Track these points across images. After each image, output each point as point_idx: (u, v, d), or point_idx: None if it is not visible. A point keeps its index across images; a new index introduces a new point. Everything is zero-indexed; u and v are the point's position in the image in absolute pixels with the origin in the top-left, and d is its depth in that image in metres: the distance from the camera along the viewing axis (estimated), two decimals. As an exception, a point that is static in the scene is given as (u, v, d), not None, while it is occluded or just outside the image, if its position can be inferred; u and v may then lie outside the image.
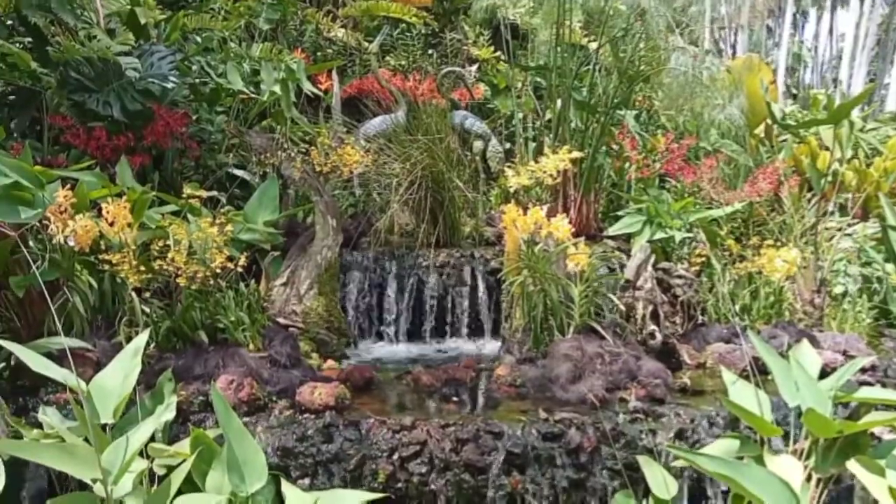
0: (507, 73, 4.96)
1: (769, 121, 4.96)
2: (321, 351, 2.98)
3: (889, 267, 4.42)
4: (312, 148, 4.08)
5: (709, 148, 4.54)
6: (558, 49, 4.27)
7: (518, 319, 2.95)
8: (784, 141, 6.46)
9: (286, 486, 1.65)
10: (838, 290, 3.98)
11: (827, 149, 6.07)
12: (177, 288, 2.57)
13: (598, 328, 2.61)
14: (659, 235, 3.79)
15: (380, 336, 3.34)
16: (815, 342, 2.90)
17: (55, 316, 2.59)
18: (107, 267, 2.47)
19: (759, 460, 1.79)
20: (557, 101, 5.06)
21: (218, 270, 2.53)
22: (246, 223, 3.24)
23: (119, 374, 2.02)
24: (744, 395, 2.05)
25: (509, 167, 3.78)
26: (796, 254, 3.00)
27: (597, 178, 4.35)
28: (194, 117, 4.54)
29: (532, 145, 5.05)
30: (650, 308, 2.75)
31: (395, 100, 5.00)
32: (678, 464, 2.06)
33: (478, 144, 4.72)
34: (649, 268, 2.81)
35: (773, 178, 5.04)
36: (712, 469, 1.63)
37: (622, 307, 2.74)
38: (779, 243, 3.43)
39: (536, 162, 3.79)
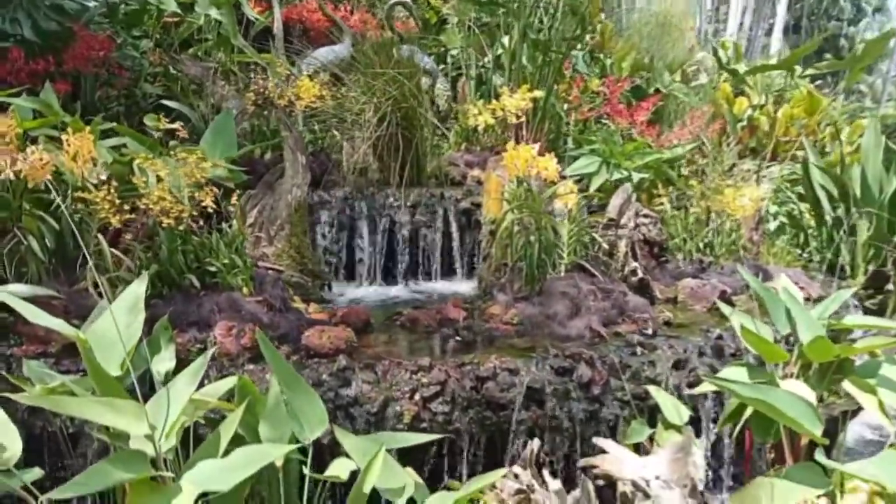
0: (455, 7, 4.80)
1: (710, 64, 5.15)
2: (297, 294, 2.86)
3: (804, 206, 4.81)
4: (262, 78, 3.81)
5: (663, 89, 4.66)
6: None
7: (499, 259, 2.97)
8: (700, 86, 6.76)
9: (339, 432, 1.59)
10: (772, 226, 4.29)
11: (741, 94, 6.44)
12: (152, 229, 2.37)
13: (588, 266, 2.67)
14: (616, 176, 3.90)
15: (352, 277, 3.25)
16: (769, 276, 3.12)
17: (5, 261, 2.34)
18: (79, 206, 2.22)
19: (773, 384, 1.92)
20: (505, 39, 5.01)
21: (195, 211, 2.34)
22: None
23: (120, 324, 1.85)
24: (739, 323, 2.18)
25: (469, 105, 3.72)
26: (760, 191, 3.19)
27: (550, 119, 4.37)
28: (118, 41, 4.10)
29: (472, 83, 4.99)
30: (631, 246, 2.84)
31: (339, 30, 4.75)
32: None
33: (425, 81, 4.59)
34: (631, 206, 2.89)
35: (699, 122, 5.28)
36: (746, 394, 1.73)
37: (605, 245, 2.81)
38: (726, 183, 3.63)
39: (488, 101, 3.76)
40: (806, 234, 4.37)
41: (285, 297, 2.41)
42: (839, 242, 4.25)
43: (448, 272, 3.35)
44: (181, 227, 2.22)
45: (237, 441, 1.52)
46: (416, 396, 2.05)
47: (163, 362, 1.94)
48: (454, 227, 3.31)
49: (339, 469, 1.42)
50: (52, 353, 2.17)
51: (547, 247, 2.62)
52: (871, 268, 4.14)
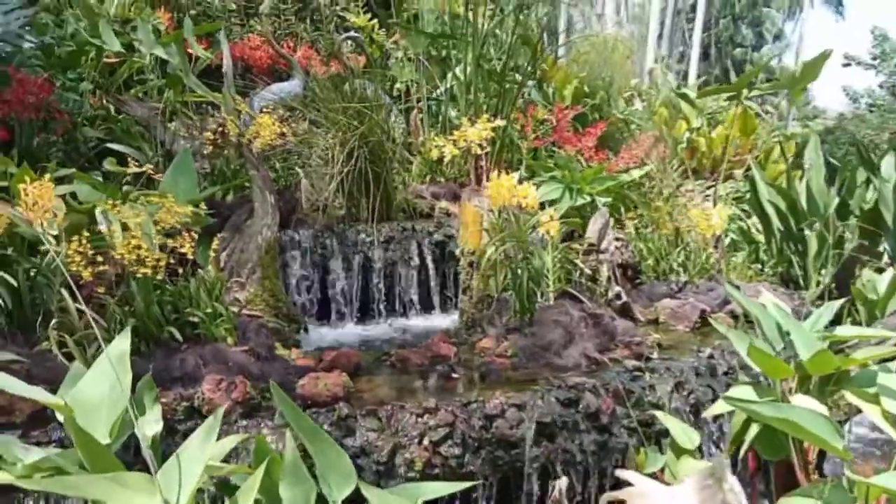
0: (403, 40, 4.80)
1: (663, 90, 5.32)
2: (275, 339, 2.72)
3: (751, 222, 5.00)
4: (211, 116, 3.68)
5: (619, 115, 4.77)
6: (466, 17, 4.22)
7: (481, 291, 2.91)
8: (637, 111, 6.99)
9: (365, 487, 1.48)
10: (726, 243, 4.41)
11: (682, 119, 6.70)
12: (121, 280, 2.19)
13: (574, 293, 2.65)
14: (580, 202, 3.94)
15: (327, 318, 3.13)
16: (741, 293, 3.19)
17: (-44, 325, 2.13)
18: (36, 261, 2.04)
19: (780, 401, 1.93)
20: (455, 71, 5.04)
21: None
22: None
23: (103, 385, 1.69)
24: (739, 341, 2.19)
25: (431, 137, 3.70)
26: (729, 211, 3.27)
27: (508, 149, 4.40)
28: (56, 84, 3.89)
29: (425, 116, 4.98)
30: (612, 270, 2.84)
31: (284, 67, 4.67)
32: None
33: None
34: (610, 231, 2.90)
35: (645, 146, 5.44)
36: (769, 414, 1.73)
37: (588, 271, 2.80)
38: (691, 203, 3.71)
39: (445, 133, 3.76)
40: (758, 248, 4.52)
41: (271, 344, 2.27)
42: (791, 255, 4.41)
43: (425, 307, 3.27)
44: (158, 277, 2.07)
45: (256, 507, 1.39)
46: (425, 441, 1.95)
47: (149, 425, 1.78)
48: (429, 261, 3.24)
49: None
50: (17, 424, 1.96)
51: (534, 276, 2.59)
52: (822, 280, 4.31)
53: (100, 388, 1.66)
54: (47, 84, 3.70)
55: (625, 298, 2.80)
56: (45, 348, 2.18)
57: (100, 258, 2.04)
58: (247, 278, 2.79)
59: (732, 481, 1.58)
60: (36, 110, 3.53)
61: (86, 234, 2.04)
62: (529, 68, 4.31)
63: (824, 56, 3.59)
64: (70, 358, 2.17)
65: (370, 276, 3.17)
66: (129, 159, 3.44)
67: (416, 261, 3.23)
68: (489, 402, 2.06)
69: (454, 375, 2.35)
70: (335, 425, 1.96)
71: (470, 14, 4.31)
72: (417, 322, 3.20)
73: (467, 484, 1.66)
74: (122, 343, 1.74)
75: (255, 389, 2.06)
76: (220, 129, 3.30)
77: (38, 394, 1.58)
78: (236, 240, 2.87)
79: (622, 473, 1.80)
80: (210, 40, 5.26)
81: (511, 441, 2.01)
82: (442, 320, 3.22)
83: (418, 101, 4.85)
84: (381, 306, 3.18)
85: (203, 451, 1.33)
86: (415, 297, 3.22)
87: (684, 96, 5.30)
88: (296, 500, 1.37)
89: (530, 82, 5.15)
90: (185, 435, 1.92)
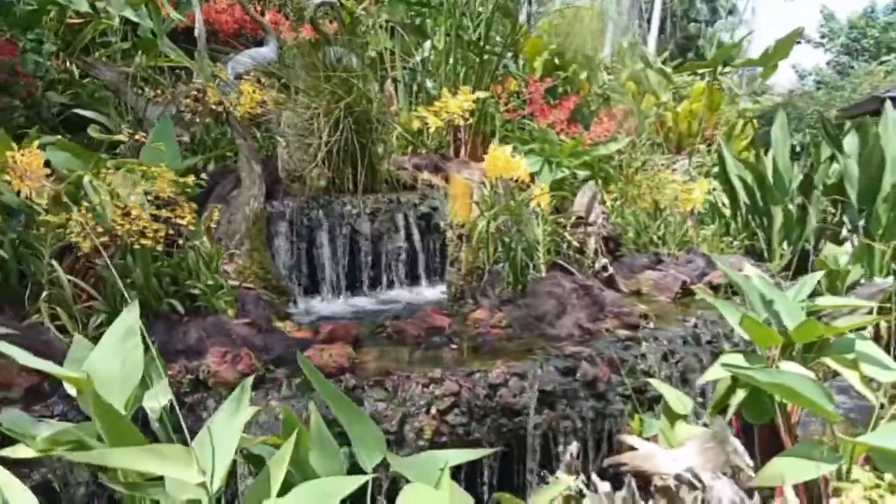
0: (378, 8, 4.71)
1: (630, 64, 5.37)
2: (266, 312, 2.70)
3: (719, 193, 5.15)
4: (185, 83, 3.58)
5: (598, 91, 4.81)
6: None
7: (471, 263, 2.95)
8: (604, 85, 7.06)
9: (390, 456, 1.51)
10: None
11: (649, 93, 6.80)
12: (115, 252, 2.14)
13: (565, 265, 2.71)
14: (559, 175, 3.99)
15: (315, 290, 3.11)
16: (712, 264, 3.30)
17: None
18: (35, 231, 1.97)
19: (770, 367, 2.03)
20: (431, 40, 4.99)
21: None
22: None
23: (114, 360, 1.66)
24: (729, 311, 2.29)
25: (412, 108, 3.67)
26: (707, 184, 3.36)
27: (485, 121, 4.40)
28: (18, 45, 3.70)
29: (400, 85, 4.92)
30: (599, 243, 2.91)
31: (263, 32, 4.55)
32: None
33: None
34: (597, 204, 2.96)
35: (616, 120, 5.52)
36: (766, 380, 1.82)
37: (576, 243, 2.86)
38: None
39: (426, 105, 3.74)
40: (728, 222, 4.68)
41: (269, 317, 2.26)
42: (755, 229, 4.58)
43: (411, 279, 3.28)
44: (159, 248, 2.02)
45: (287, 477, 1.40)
46: (433, 410, 1.99)
47: (156, 398, 1.77)
48: (415, 233, 3.25)
49: (418, 496, 1.34)
50: (15, 399, 1.91)
51: (527, 248, 2.63)
52: (784, 251, 4.50)
53: (112, 363, 1.63)
54: (8, 45, 3.52)
55: (611, 270, 2.87)
56: (35, 321, 2.12)
57: (99, 229, 1.98)
58: (235, 249, 2.75)
59: (735, 443, 1.67)
60: (6, 73, 3.36)
61: (85, 204, 1.98)
62: (508, 40, 4.31)
63: (797, 33, 3.70)
64: (63, 331, 2.12)
65: (357, 248, 3.16)
66: (96, 125, 3.33)
67: (403, 233, 3.23)
68: (492, 372, 2.10)
69: (452, 346, 2.39)
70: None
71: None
72: (404, 294, 3.21)
73: (486, 452, 1.70)
74: (131, 316, 1.70)
75: (260, 361, 2.05)
76: (198, 95, 3.20)
77: (52, 367, 1.55)
78: (222, 211, 2.81)
79: (625, 438, 1.88)
80: (175, 1, 5.06)
81: (514, 409, 2.06)
82: (429, 292, 3.24)
83: (392, 69, 4.79)
84: (368, 278, 3.18)
85: (235, 422, 1.34)
86: (401, 270, 3.23)
87: (662, 72, 5.38)
88: (327, 468, 1.39)
89: (508, 53, 5.14)
90: (192, 407, 1.92)
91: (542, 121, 5.36)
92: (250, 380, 1.43)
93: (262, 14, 5.76)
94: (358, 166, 3.25)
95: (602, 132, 5.20)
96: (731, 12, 27.65)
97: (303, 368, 1.45)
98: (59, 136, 2.52)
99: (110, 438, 1.43)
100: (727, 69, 4.42)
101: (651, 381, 2.20)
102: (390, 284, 3.23)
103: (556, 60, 6.77)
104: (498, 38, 4.57)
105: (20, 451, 1.47)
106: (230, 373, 1.96)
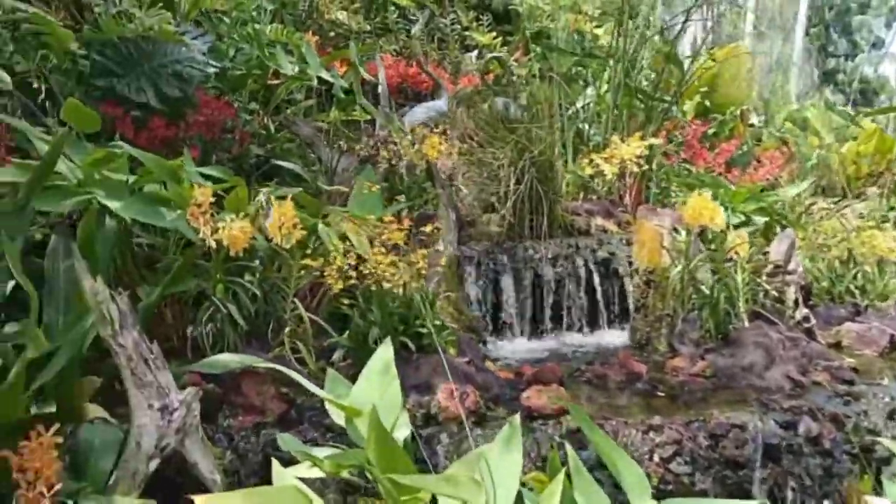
0: (555, 59, 4.86)
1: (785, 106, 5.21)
2: (462, 352, 2.83)
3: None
4: (368, 135, 3.87)
5: (776, 134, 4.71)
6: (615, 35, 4.28)
7: (659, 309, 2.94)
8: (755, 127, 6.83)
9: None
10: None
11: (811, 135, 6.51)
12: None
13: (767, 314, 2.65)
14: (734, 220, 3.90)
15: (497, 331, 3.22)
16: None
17: (203, 330, 2.32)
18: (303, 273, 2.21)
19: None
20: (596, 88, 5.09)
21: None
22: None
23: (375, 392, 1.82)
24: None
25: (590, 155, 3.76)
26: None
27: (649, 165, 4.40)
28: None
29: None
30: (799, 292, 2.81)
31: (436, 86, 4.84)
32: None
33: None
34: (795, 252, 2.88)
35: (779, 162, 5.32)
36: None
37: (774, 292, 2.79)
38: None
39: (590, 152, 3.81)
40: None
41: (482, 356, 2.38)
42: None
43: (592, 324, 3.31)
44: (397, 290, 2.21)
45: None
46: (655, 457, 2.00)
47: (398, 430, 1.90)
48: (596, 278, 3.29)
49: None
50: (269, 423, 2.12)
51: (729, 296, 2.60)
52: None
53: (373, 395, 1.78)
54: (227, 106, 3.98)
55: (813, 321, 2.77)
56: (278, 354, 2.35)
57: (352, 272, 2.20)
58: (434, 291, 2.92)
59: None
60: (221, 130, 3.79)
61: (336, 248, 2.20)
62: (678, 88, 4.32)
63: None
64: (302, 363, 2.34)
65: (538, 292, 3.24)
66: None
67: (583, 278, 3.28)
68: (710, 422, 2.09)
69: (659, 393, 2.39)
70: (565, 438, 2.04)
71: (614, 34, 4.36)
72: (584, 338, 3.25)
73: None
74: (386, 352, 1.87)
75: (482, 399, 2.16)
76: (386, 145, 3.46)
77: (327, 395, 1.72)
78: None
79: (873, 501, 1.80)
80: (349, 64, 5.50)
81: (738, 461, 2.03)
82: (608, 337, 3.26)
83: (551, 117, 4.92)
84: (549, 321, 3.25)
85: (513, 457, 1.43)
86: (582, 314, 3.27)
87: (844, 114, 5.16)
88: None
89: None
90: (428, 441, 2.05)
91: (699, 165, 5.29)
92: (517, 417, 1.52)
93: (422, 69, 6.12)
94: (537, 213, 3.36)
95: (763, 175, 5.05)
96: (874, 45, 25.92)
97: (571, 411, 1.52)
98: (300, 189, 2.81)
99: (383, 463, 1.57)
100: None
101: (883, 440, 2.09)
102: (569, 328, 3.28)
103: (707, 103, 6.66)
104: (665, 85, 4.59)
105: (307, 472, 1.64)
106: (457, 409, 2.08)
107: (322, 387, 1.88)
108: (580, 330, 3.28)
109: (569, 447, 1.58)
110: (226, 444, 2.04)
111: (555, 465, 1.51)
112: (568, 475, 1.55)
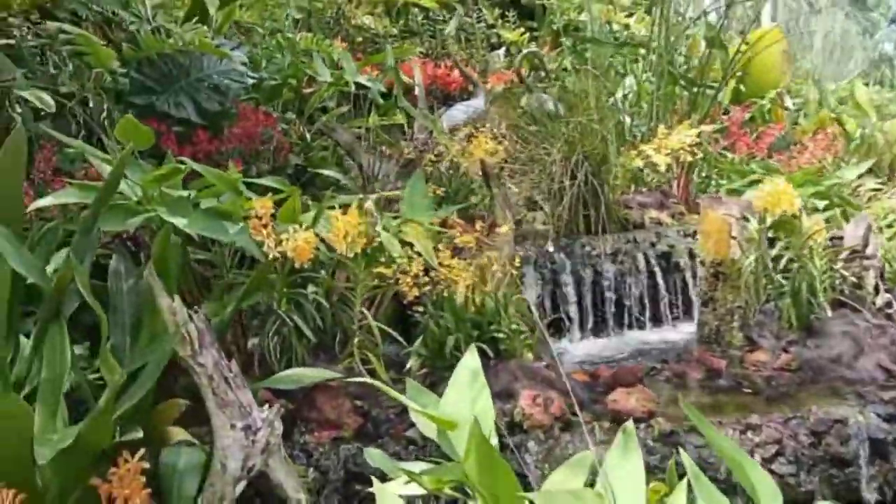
0: (594, 50, 4.76)
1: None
2: (528, 354, 2.75)
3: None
4: (405, 138, 3.81)
5: (831, 115, 4.58)
6: (656, 23, 4.17)
7: (730, 302, 2.83)
8: (790, 110, 6.67)
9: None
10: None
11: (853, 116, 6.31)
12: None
13: (850, 302, 2.53)
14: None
15: (559, 331, 3.13)
16: None
17: (269, 343, 2.26)
18: (376, 282, 2.15)
19: None
20: (630, 79, 4.98)
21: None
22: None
23: (465, 402, 1.75)
24: None
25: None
26: None
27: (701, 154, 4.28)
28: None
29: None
30: (879, 277, 2.69)
31: (472, 86, 4.77)
32: None
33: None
34: (873, 236, 2.75)
35: (824, 144, 5.16)
36: None
37: (852, 278, 2.67)
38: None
39: (645, 143, 3.70)
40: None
41: (557, 360, 2.29)
42: None
43: (654, 320, 3.21)
44: (469, 295, 2.13)
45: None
46: (756, 457, 1.90)
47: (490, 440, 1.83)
48: (658, 273, 3.19)
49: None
50: (348, 438, 2.06)
51: (811, 284, 2.49)
52: None
53: (463, 405, 1.71)
54: (267, 116, 3.94)
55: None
56: (347, 365, 2.29)
57: (425, 279, 2.13)
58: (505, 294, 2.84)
59: None
60: (261, 141, 3.75)
61: (406, 257, 2.14)
62: (725, 73, 4.21)
63: None
64: (373, 374, 2.27)
65: (599, 289, 3.15)
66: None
67: (645, 273, 3.18)
68: (809, 418, 1.99)
69: (745, 390, 2.29)
70: (658, 441, 1.95)
71: (653, 21, 4.26)
72: (649, 335, 3.15)
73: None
74: (473, 360, 1.79)
75: (566, 404, 2.07)
76: (437, 146, 3.39)
77: (418, 406, 1.65)
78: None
79: None
80: (378, 67, 5.44)
81: (844, 459, 1.92)
82: (674, 333, 3.15)
83: (599, 110, 4.82)
84: (613, 319, 3.15)
85: (634, 465, 1.35)
86: (645, 310, 3.17)
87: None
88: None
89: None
90: (515, 448, 1.97)
91: (740, 151, 5.15)
92: (631, 423, 1.44)
93: (452, 69, 6.05)
94: (593, 207, 3.27)
95: (809, 158, 4.89)
96: (893, 21, 25.39)
97: (692, 418, 1.43)
98: (360, 197, 2.76)
99: (485, 478, 1.49)
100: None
101: None
102: (632, 325, 3.18)
103: (741, 87, 6.52)
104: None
105: (403, 488, 1.56)
106: (543, 416, 2.00)
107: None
108: (643, 327, 3.18)
109: (684, 454, 1.49)
110: (305, 461, 1.98)
111: (672, 473, 1.42)
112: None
